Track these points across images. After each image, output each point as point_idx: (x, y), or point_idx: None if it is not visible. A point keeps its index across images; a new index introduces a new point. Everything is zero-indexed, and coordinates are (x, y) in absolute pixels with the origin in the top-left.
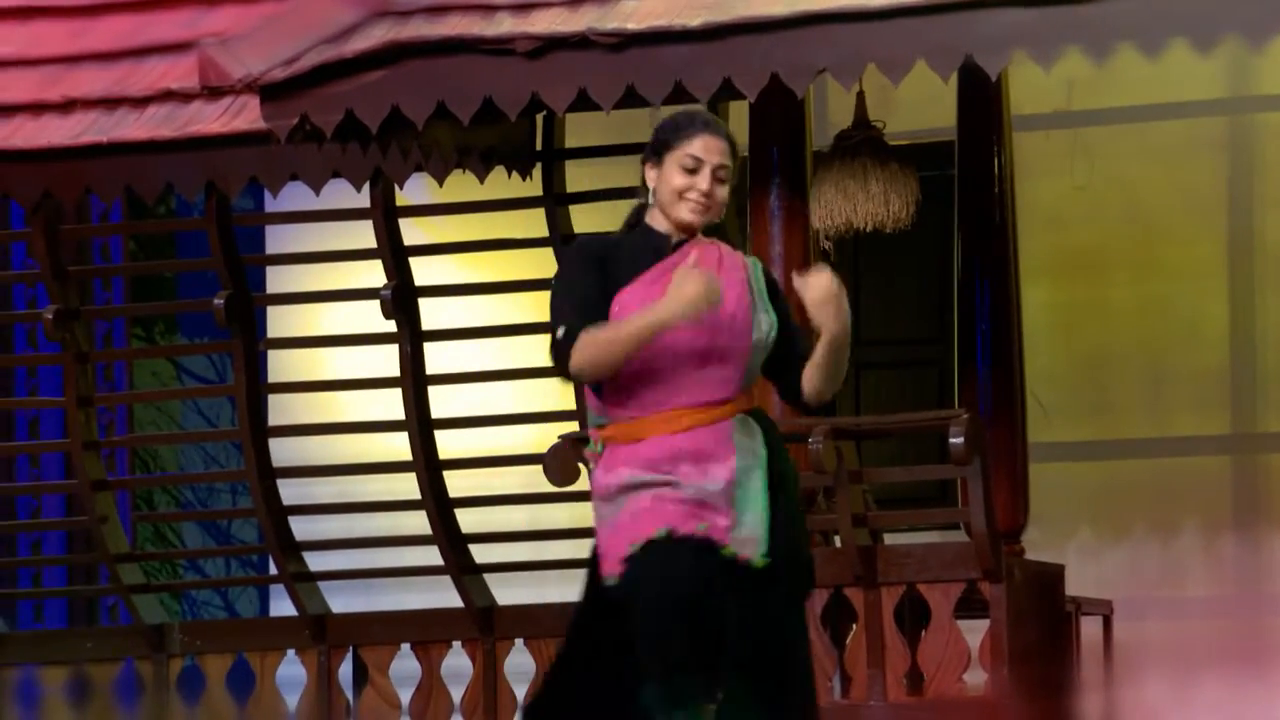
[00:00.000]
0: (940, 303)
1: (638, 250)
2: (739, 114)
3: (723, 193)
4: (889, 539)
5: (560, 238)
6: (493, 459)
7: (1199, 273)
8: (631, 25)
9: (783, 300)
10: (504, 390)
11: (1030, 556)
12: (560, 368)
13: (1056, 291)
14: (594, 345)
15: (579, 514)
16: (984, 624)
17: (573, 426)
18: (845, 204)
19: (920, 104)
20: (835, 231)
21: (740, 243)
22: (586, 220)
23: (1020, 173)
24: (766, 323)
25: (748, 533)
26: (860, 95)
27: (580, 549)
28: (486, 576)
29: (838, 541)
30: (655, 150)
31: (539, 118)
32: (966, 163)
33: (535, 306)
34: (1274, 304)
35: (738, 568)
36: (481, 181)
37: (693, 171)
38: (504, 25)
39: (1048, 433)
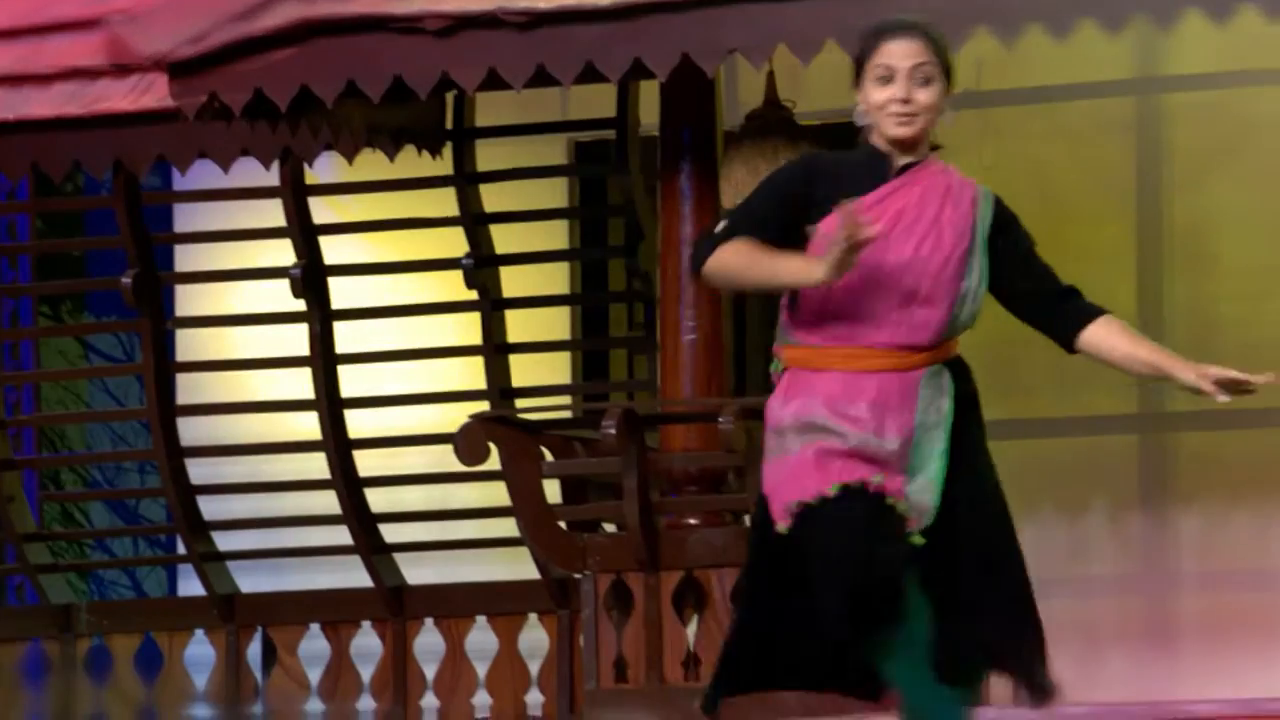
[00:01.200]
0: None
1: (861, 172)
2: (650, 94)
3: (927, 95)
4: None
5: (471, 216)
6: (403, 438)
7: (1107, 253)
8: (542, 4)
9: (1021, 239)
10: (414, 369)
11: None
12: (695, 260)
13: None
14: (734, 259)
15: (489, 493)
16: None
17: (483, 406)
18: (756, 184)
19: (831, 84)
20: None
21: (649, 222)
22: (497, 199)
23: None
24: (979, 268)
25: (916, 499)
26: (771, 75)
27: (490, 528)
28: (396, 556)
29: (747, 520)
30: (856, 73)
31: (449, 96)
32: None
33: (445, 285)
34: (1182, 285)
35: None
36: (391, 160)
37: (887, 80)
38: (414, 4)
39: None
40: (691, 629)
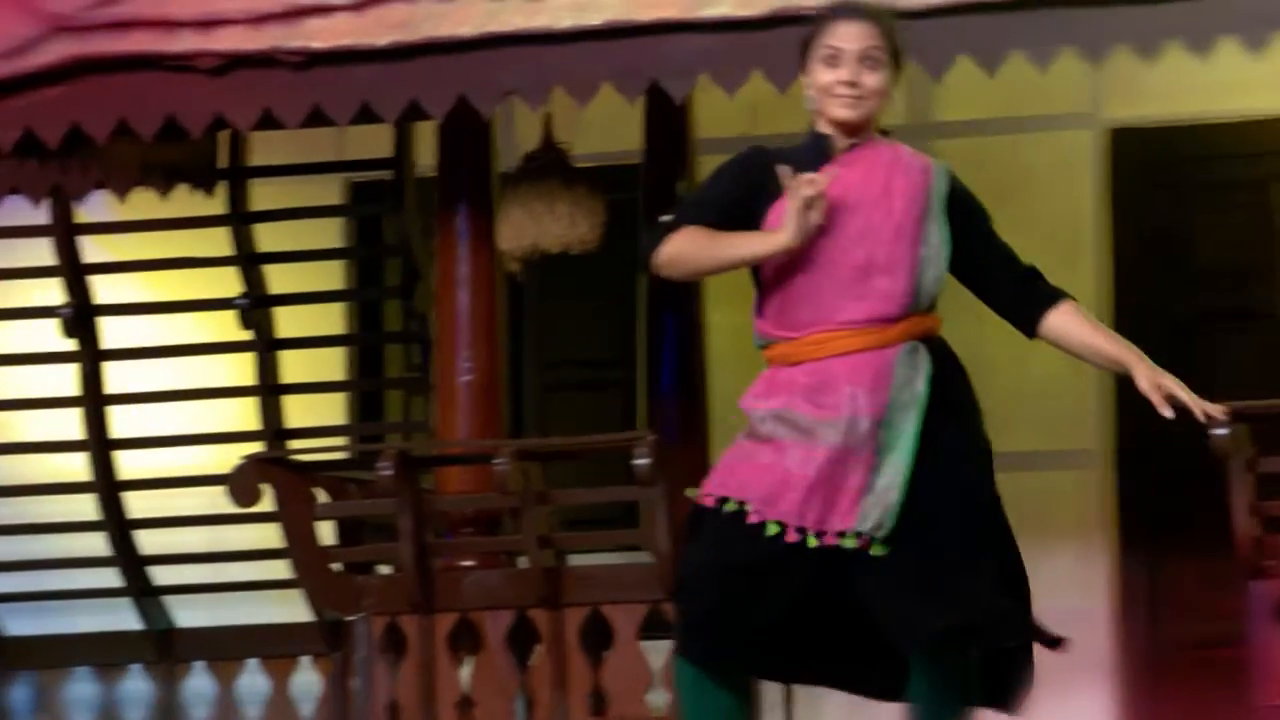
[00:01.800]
0: (626, 325)
1: (805, 156)
2: (427, 134)
3: (874, 79)
4: (574, 560)
5: (245, 256)
6: (176, 479)
7: None
8: (317, 44)
9: (978, 216)
10: (188, 410)
11: None
12: (645, 251)
13: (741, 315)
14: (688, 244)
15: (263, 535)
16: (666, 644)
17: (257, 447)
18: (532, 226)
19: (607, 127)
20: (522, 253)
21: (425, 263)
22: (272, 238)
23: None
24: (937, 235)
25: (880, 495)
26: (548, 117)
27: (263, 570)
28: (170, 599)
29: (523, 562)
30: (801, 53)
31: (223, 135)
32: (652, 186)
33: (220, 325)
34: (954, 328)
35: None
36: (164, 198)
37: (834, 62)
38: (187, 42)
39: None
40: (466, 671)
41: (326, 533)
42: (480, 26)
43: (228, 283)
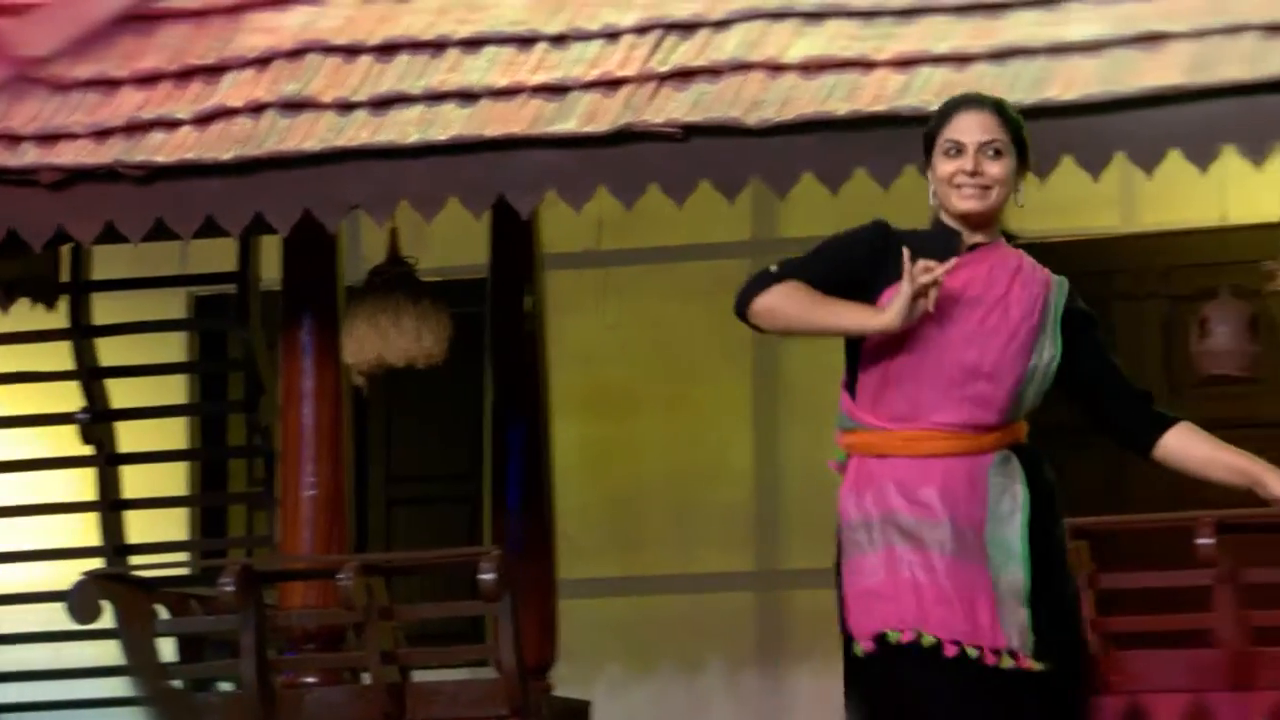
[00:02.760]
0: (472, 439)
1: (931, 246)
2: (271, 248)
3: (997, 169)
4: (419, 676)
5: (87, 370)
6: (13, 596)
7: (726, 410)
8: (160, 158)
9: (1094, 335)
10: (27, 525)
11: (558, 692)
12: (742, 300)
13: (588, 428)
14: (788, 299)
15: (103, 652)
16: None
17: (96, 562)
18: (378, 340)
19: (453, 241)
20: (368, 367)
21: (270, 377)
22: (115, 353)
23: (552, 310)
24: (1050, 351)
25: (1009, 614)
26: (394, 231)
27: (104, 688)
28: (7, 716)
29: (366, 679)
30: (925, 150)
31: (65, 249)
32: (498, 300)
33: (60, 440)
34: (797, 441)
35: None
36: (5, 312)
37: (957, 154)
38: (29, 156)
39: (578, 569)
40: None
41: (168, 649)
42: (325, 141)
43: (69, 397)
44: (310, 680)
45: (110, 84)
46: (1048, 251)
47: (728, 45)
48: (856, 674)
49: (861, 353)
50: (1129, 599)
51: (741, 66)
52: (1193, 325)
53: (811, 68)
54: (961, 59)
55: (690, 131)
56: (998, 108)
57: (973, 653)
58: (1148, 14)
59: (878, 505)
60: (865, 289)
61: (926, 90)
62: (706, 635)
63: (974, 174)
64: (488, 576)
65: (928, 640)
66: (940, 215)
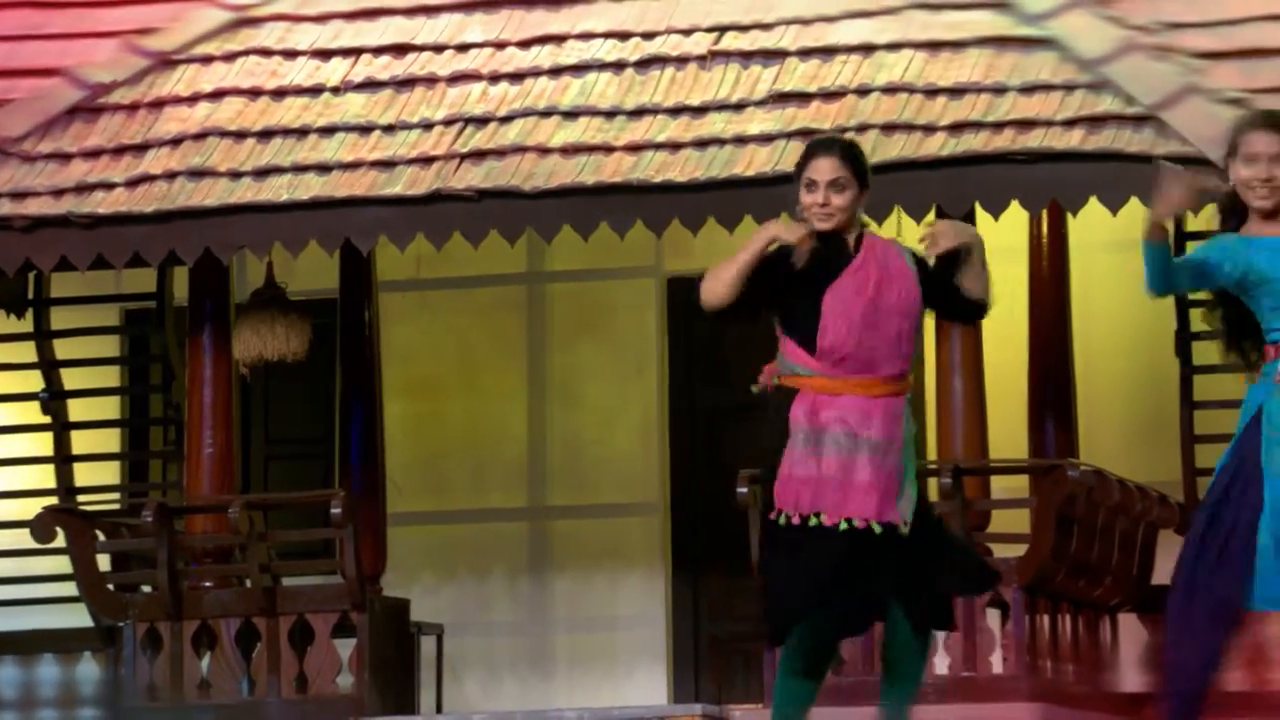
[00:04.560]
0: (326, 413)
1: (828, 252)
2: (182, 275)
3: (841, 199)
4: (287, 581)
5: (46, 362)
6: None
7: (507, 394)
8: (101, 210)
9: (925, 265)
10: (1, 474)
11: (387, 594)
12: (702, 301)
13: (409, 406)
14: (710, 278)
15: (56, 564)
16: (352, 642)
17: (52, 500)
18: (258, 342)
19: (314, 271)
20: (251, 361)
21: (179, 368)
22: (67, 349)
23: (384, 321)
24: (920, 305)
25: (904, 506)
26: (270, 264)
27: (56, 589)
28: None
29: (249, 584)
30: (795, 182)
31: (31, 275)
32: (346, 314)
33: (26, 412)
34: (558, 418)
35: (886, 535)
36: None
37: (812, 189)
38: (4, 208)
39: (401, 506)
40: (205, 663)
41: (104, 563)
42: (221, 199)
43: (33, 381)
44: (207, 585)
45: (65, 157)
46: None
47: (510, 134)
48: (776, 536)
49: (821, 327)
50: None
51: (520, 149)
52: None
53: (569, 150)
54: (674, 145)
55: (483, 194)
56: (843, 150)
57: (877, 528)
58: (804, 116)
59: (831, 423)
60: (776, 274)
61: (650, 168)
62: (493, 553)
63: (824, 205)
64: (336, 511)
65: (840, 523)
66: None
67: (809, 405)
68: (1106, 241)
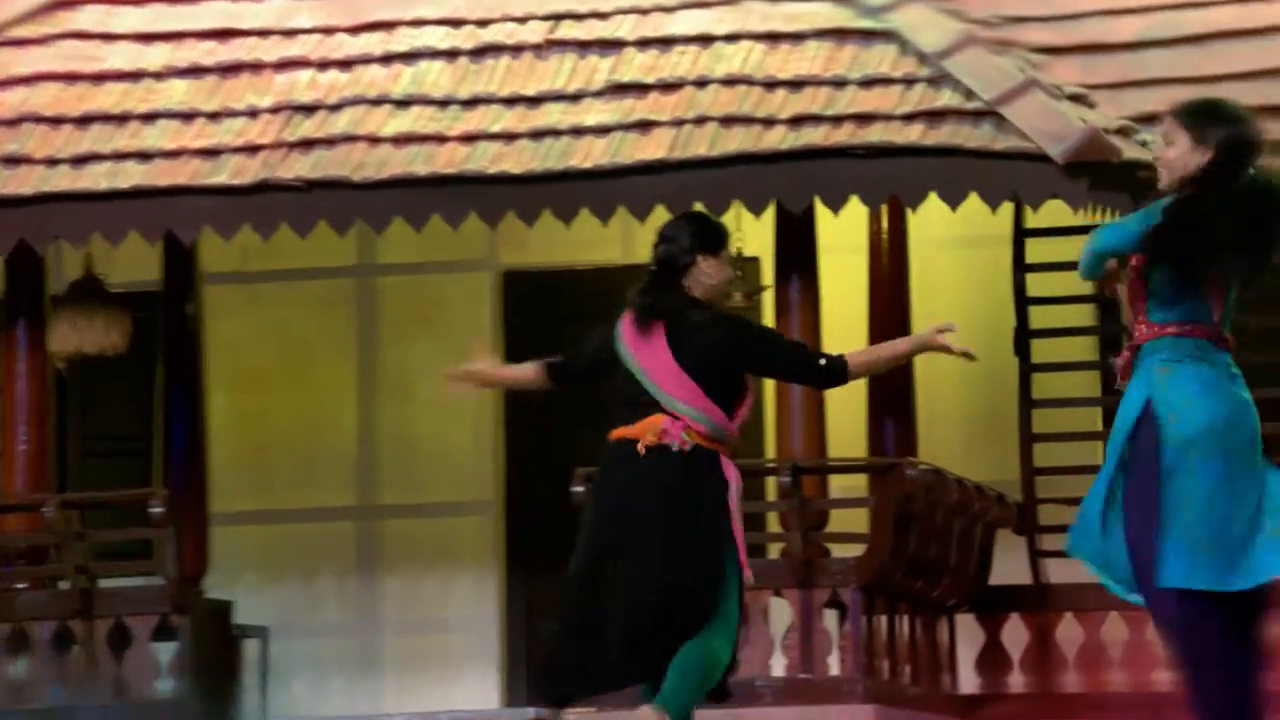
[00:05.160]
0: (147, 409)
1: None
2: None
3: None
4: (104, 583)
5: None
6: None
7: (336, 389)
8: None
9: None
10: None
11: (209, 596)
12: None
13: (234, 399)
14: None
15: None
16: (173, 646)
17: None
18: (76, 335)
19: (135, 262)
20: (67, 355)
21: None
22: None
23: (208, 314)
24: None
25: None
26: (88, 254)
27: None
28: None
29: (65, 585)
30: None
31: None
32: (168, 306)
33: None
34: (389, 412)
35: None
36: None
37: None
38: None
39: (225, 504)
40: (19, 667)
41: None
42: (36, 187)
43: None
44: (21, 586)
45: None
46: (571, 277)
47: (340, 123)
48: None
49: (745, 393)
50: None
51: (350, 138)
52: None
53: (401, 140)
54: (509, 136)
55: (312, 185)
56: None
57: None
58: (642, 107)
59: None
60: (607, 357)
61: (485, 158)
62: (321, 553)
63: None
64: (157, 510)
65: None
66: None
67: (732, 465)
68: (946, 238)
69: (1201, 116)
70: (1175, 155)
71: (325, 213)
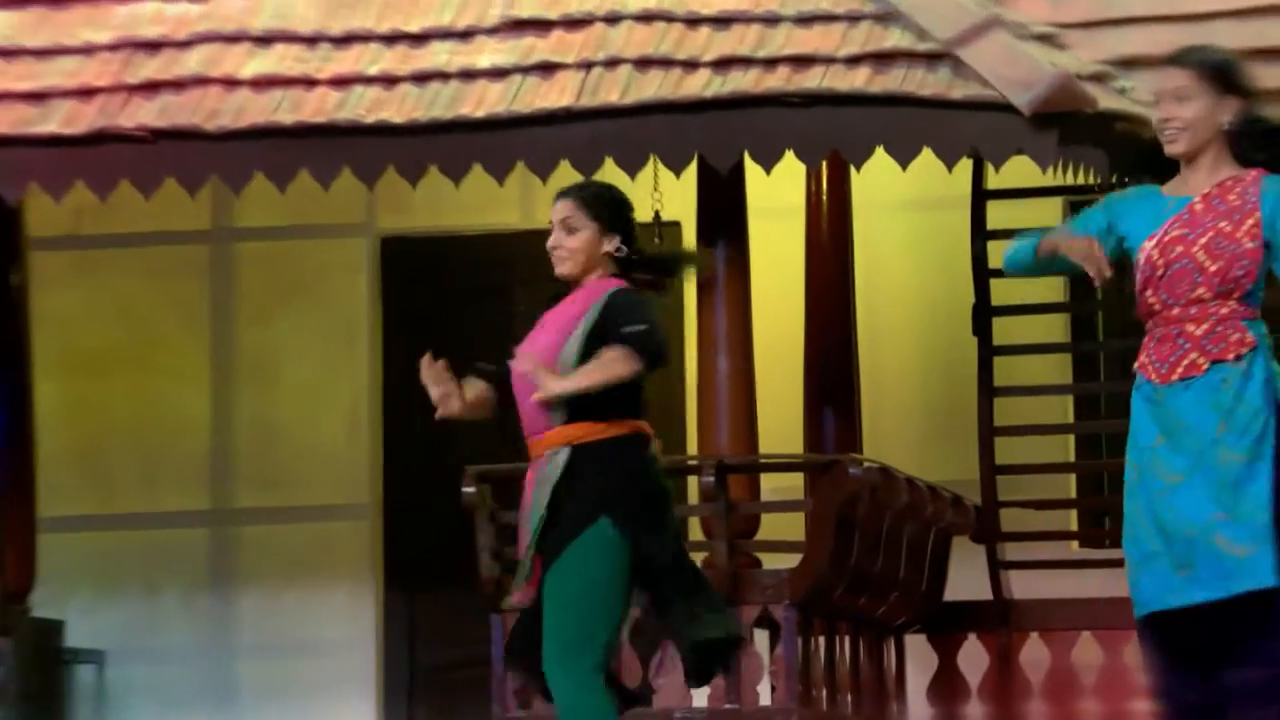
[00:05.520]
0: None
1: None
2: None
3: (572, 240)
4: None
5: None
6: None
7: (186, 373)
8: None
9: (623, 313)
10: None
11: (36, 614)
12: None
13: (66, 386)
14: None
15: None
16: None
17: None
18: None
19: None
20: None
21: None
22: None
23: (35, 285)
24: (572, 352)
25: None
26: None
27: None
28: None
29: None
30: None
31: None
32: None
33: None
34: (248, 399)
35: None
36: None
37: (551, 232)
38: None
39: (55, 507)
40: None
41: None
42: None
43: None
44: None
45: None
46: (460, 244)
47: (190, 62)
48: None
49: None
50: None
51: (202, 81)
52: None
53: (262, 83)
54: (390, 79)
55: (158, 135)
56: (576, 192)
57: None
58: (544, 47)
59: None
60: None
61: (360, 105)
62: (166, 564)
63: (554, 247)
64: None
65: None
66: None
67: None
68: (895, 200)
69: (1223, 71)
70: (1195, 115)
71: (173, 167)
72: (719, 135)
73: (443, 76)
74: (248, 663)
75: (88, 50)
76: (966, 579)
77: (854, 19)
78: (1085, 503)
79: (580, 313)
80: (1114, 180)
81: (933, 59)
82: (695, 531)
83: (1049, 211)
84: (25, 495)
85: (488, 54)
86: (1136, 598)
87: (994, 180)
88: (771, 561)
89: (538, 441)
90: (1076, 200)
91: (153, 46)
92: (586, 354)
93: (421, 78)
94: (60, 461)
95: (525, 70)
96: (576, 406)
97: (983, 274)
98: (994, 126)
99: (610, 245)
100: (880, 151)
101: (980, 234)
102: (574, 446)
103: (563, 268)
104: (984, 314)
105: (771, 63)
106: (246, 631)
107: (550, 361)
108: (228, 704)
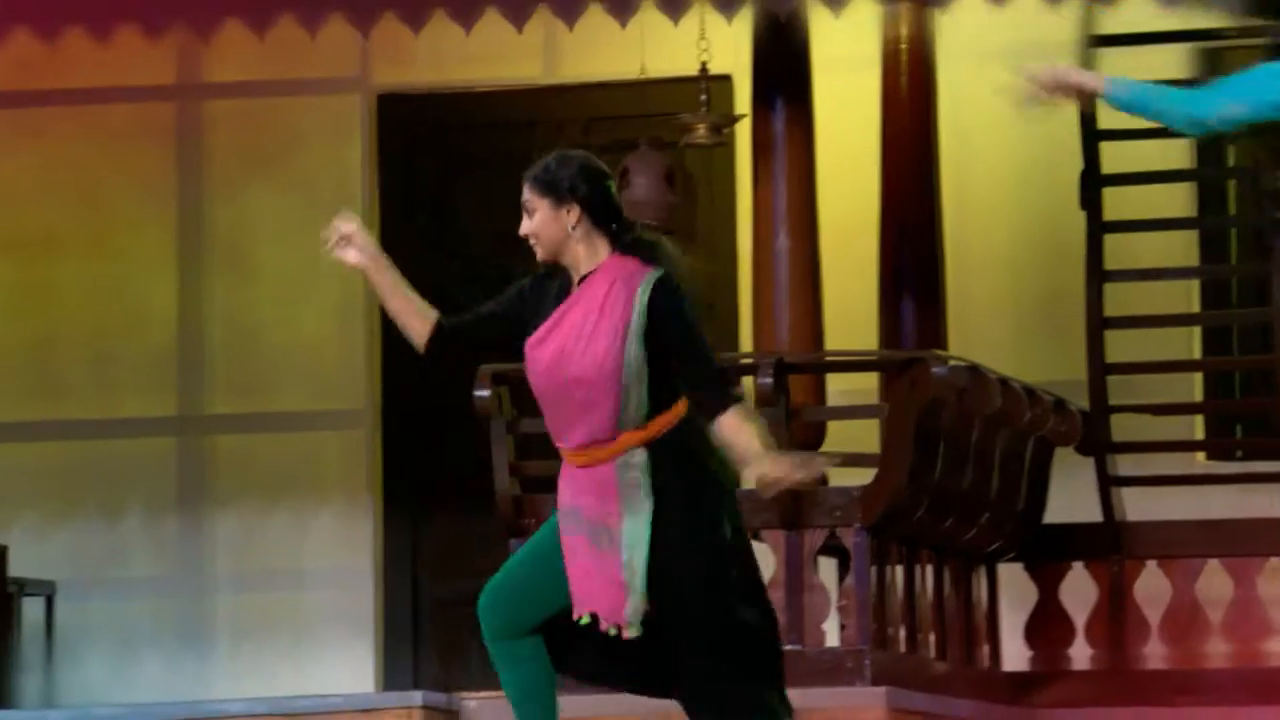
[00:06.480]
0: None
1: (557, 290)
2: None
3: (529, 224)
4: None
5: None
6: None
7: (149, 257)
8: None
9: (674, 320)
10: None
11: None
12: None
13: (6, 271)
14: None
15: None
16: None
17: None
18: None
19: None
20: None
21: None
22: None
23: None
24: (635, 356)
25: (631, 594)
26: None
27: None
28: None
29: None
30: None
31: None
32: None
33: None
34: (221, 288)
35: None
36: None
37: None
38: None
39: None
40: None
41: None
42: None
43: None
44: None
45: None
46: (473, 100)
47: None
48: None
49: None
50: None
51: None
52: (613, 176)
53: None
54: None
55: None
56: (529, 172)
57: (611, 630)
58: None
59: (561, 501)
60: (520, 320)
61: None
62: (127, 480)
63: (524, 237)
64: None
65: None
66: None
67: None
68: (987, 49)
69: None
70: None
71: (132, 12)
72: None
73: None
74: (224, 597)
75: None
76: (1071, 498)
77: None
78: (1212, 406)
79: (617, 303)
80: (1246, 25)
81: None
82: None
83: (1169, 60)
84: None
85: None
86: None
87: (1105, 24)
88: (839, 478)
89: (602, 447)
90: (1202, 48)
91: None
92: (649, 359)
93: None
94: (3, 361)
95: None
96: (659, 399)
97: (1092, 136)
98: None
99: (571, 218)
100: None
101: None
102: (650, 444)
103: (538, 254)
104: (1094, 184)
105: None
106: (221, 560)
107: (612, 370)
108: (199, 644)
